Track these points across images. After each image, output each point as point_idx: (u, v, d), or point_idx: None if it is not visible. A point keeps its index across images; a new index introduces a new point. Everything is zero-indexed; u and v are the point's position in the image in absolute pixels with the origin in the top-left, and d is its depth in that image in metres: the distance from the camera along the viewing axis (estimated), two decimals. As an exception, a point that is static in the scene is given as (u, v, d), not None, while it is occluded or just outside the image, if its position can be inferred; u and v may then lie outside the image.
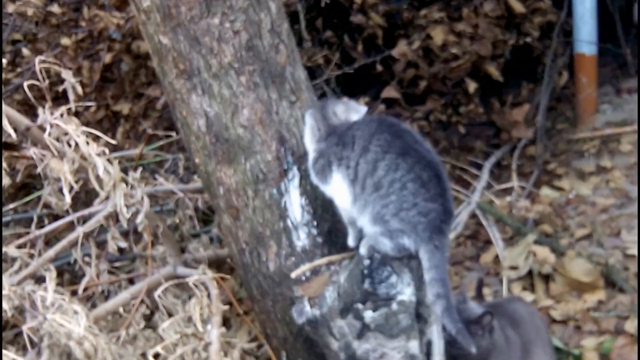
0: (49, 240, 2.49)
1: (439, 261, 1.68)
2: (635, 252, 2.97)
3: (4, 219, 2.81)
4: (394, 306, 1.73)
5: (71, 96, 1.86)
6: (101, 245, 2.56)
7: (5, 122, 1.75)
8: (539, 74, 4.49)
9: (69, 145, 1.76)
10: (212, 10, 1.77)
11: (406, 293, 1.74)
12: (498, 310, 2.19)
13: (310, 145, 1.84)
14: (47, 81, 1.80)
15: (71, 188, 1.76)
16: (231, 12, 1.79)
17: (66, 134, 1.74)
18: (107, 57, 3.37)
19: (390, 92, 3.87)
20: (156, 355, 1.91)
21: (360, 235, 1.82)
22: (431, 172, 1.67)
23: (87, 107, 3.30)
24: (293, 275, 1.85)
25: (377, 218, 1.69)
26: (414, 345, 1.81)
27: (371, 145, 1.71)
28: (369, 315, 1.75)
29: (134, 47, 3.36)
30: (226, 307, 2.31)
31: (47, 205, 2.48)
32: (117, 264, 2.69)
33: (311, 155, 1.83)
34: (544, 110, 4.25)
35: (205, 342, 1.69)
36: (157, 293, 1.94)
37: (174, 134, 2.88)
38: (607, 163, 3.87)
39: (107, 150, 1.83)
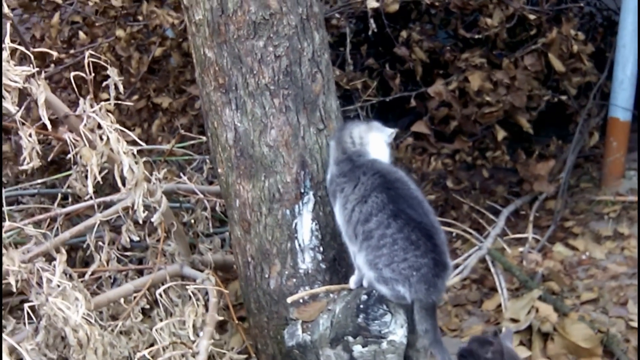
0: (70, 218, 2.57)
1: (430, 306, 1.74)
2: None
3: (31, 191, 2.90)
4: (384, 345, 1.77)
5: (112, 92, 1.94)
6: (116, 230, 2.64)
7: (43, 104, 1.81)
8: (570, 131, 4.51)
9: (101, 139, 1.83)
10: (258, 33, 1.84)
11: (398, 334, 1.77)
12: None
13: (329, 165, 1.93)
14: (92, 74, 1.86)
15: (95, 178, 1.82)
16: (276, 37, 1.86)
17: (100, 127, 1.81)
18: (158, 51, 3.47)
19: (420, 127, 3.91)
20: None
21: (361, 279, 1.88)
22: (420, 233, 1.74)
23: (130, 96, 3.39)
24: (289, 300, 1.90)
25: (371, 264, 1.76)
26: (398, 386, 1.85)
27: (370, 198, 1.78)
28: (357, 349, 1.79)
29: (185, 46, 3.45)
30: (224, 312, 2.39)
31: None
32: (127, 252, 2.76)
33: (328, 175, 1.92)
34: (569, 167, 4.25)
35: (193, 351, 1.74)
36: (159, 291, 2.00)
37: (204, 137, 2.95)
38: (625, 230, 3.84)
39: (138, 143, 1.89)
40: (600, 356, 2.76)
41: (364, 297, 1.79)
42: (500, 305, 3.18)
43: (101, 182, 2.04)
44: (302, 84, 1.94)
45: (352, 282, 1.91)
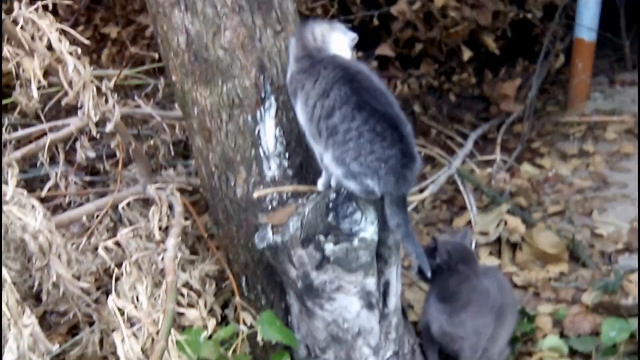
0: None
1: (400, 200, 1.71)
2: (603, 232, 3.01)
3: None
4: (355, 242, 1.75)
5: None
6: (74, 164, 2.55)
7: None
8: (536, 54, 4.50)
9: (41, 40, 1.72)
10: None
11: (369, 231, 1.75)
12: (489, 272, 2.34)
13: (289, 64, 1.84)
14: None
15: (39, 84, 1.73)
16: None
17: (39, 30, 1.70)
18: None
19: (385, 49, 3.85)
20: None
21: (329, 180, 1.84)
22: (385, 124, 1.68)
23: (74, 26, 3.24)
24: (256, 194, 1.85)
25: (339, 161, 1.70)
26: (370, 282, 1.83)
27: (332, 92, 1.72)
28: (329, 247, 1.76)
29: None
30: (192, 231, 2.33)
31: (23, 114, 2.47)
32: (88, 184, 2.69)
33: (287, 74, 1.83)
34: (535, 89, 4.25)
35: (161, 249, 1.68)
36: (122, 205, 1.93)
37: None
38: (590, 148, 3.90)
39: (79, 50, 1.80)
40: (566, 261, 2.82)
41: (333, 195, 1.75)
42: (470, 222, 3.20)
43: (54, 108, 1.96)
44: (255, -18, 1.85)
45: (320, 184, 1.87)
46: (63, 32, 1.76)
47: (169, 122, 2.55)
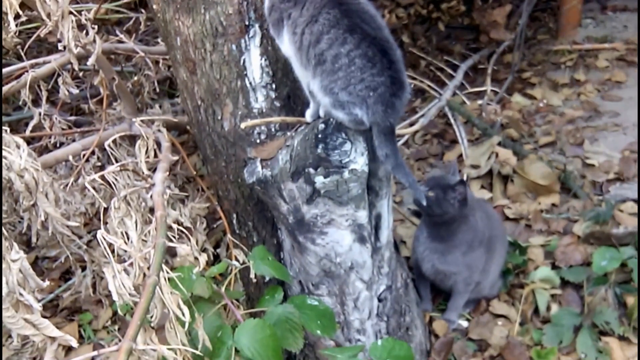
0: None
1: (388, 130, 1.67)
2: (594, 162, 3.00)
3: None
4: (346, 174, 1.71)
5: None
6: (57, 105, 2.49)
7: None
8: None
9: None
10: None
11: (359, 162, 1.71)
12: (479, 203, 2.33)
13: None
14: None
15: (15, 13, 1.65)
16: None
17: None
18: None
19: (372, -21, 3.73)
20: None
21: (317, 111, 1.79)
22: (376, 49, 1.62)
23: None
24: (243, 125, 1.79)
25: (327, 90, 1.64)
26: (362, 215, 1.81)
27: (320, 17, 1.64)
28: (319, 180, 1.72)
29: None
30: (181, 172, 2.30)
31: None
32: (73, 124, 2.63)
33: (266, 3, 1.75)
34: (525, 16, 4.16)
35: (149, 184, 1.65)
36: (108, 142, 1.88)
37: None
38: (582, 77, 3.86)
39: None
40: (558, 192, 2.82)
41: (322, 126, 1.71)
42: (461, 155, 3.17)
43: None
44: None
45: (308, 115, 1.82)
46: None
47: (152, 58, 2.47)
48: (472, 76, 4.10)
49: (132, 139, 2.19)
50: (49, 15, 1.67)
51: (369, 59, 1.62)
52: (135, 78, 2.54)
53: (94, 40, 1.78)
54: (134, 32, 2.77)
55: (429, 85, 3.72)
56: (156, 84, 2.58)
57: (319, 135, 1.71)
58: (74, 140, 2.39)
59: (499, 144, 3.08)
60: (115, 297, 1.36)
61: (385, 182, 1.84)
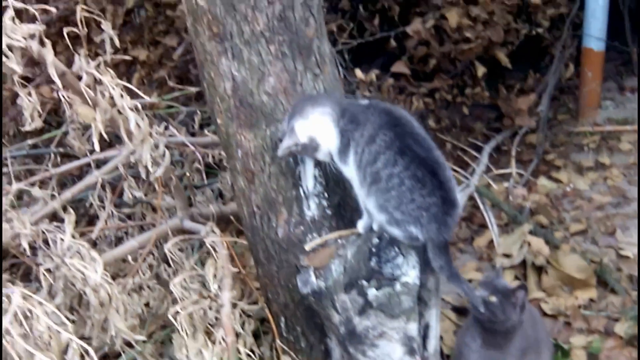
0: (59, 178, 2.52)
1: (442, 244, 1.76)
2: (629, 253, 2.99)
3: (15, 153, 2.82)
4: (398, 287, 1.79)
5: (108, 48, 1.87)
6: (111, 186, 2.59)
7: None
8: (545, 63, 4.54)
9: (103, 95, 1.77)
10: (250, -21, 1.79)
11: (411, 275, 1.79)
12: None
13: (331, 129, 1.85)
14: (84, 29, 1.79)
15: (100, 136, 1.77)
16: (268, -18, 1.81)
17: (99, 82, 1.75)
18: (130, 2, 3.36)
19: (400, 67, 3.90)
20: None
21: (370, 223, 1.88)
22: (426, 170, 1.74)
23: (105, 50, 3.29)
24: (307, 247, 1.89)
25: (382, 208, 1.75)
26: (412, 328, 1.87)
27: (377, 137, 1.77)
28: (372, 293, 1.80)
29: (156, -5, 3.37)
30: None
31: (60, 144, 2.52)
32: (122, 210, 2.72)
33: (336, 139, 1.83)
34: (548, 100, 4.29)
35: (217, 304, 1.73)
36: (168, 246, 1.98)
37: (189, 87, 2.88)
38: (606, 160, 3.90)
39: (139, 106, 1.85)
40: (594, 286, 2.79)
41: (376, 240, 1.80)
42: (491, 242, 3.22)
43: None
44: (297, 29, 1.90)
45: (361, 226, 1.91)
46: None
47: (202, 152, 2.60)
48: (495, 157, 4.18)
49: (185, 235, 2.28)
50: (129, 136, 1.79)
51: (418, 180, 1.73)
52: (184, 171, 2.65)
53: (164, 155, 1.89)
54: (184, 123, 2.91)
55: (456, 170, 3.80)
56: (203, 174, 2.69)
57: (373, 249, 1.80)
58: (126, 232, 2.50)
59: (530, 232, 3.11)
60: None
61: (434, 292, 1.91)
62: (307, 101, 1.87)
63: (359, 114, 1.82)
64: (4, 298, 1.44)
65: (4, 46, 1.52)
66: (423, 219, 1.72)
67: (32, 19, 1.68)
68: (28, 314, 1.44)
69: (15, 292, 1.39)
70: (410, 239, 1.76)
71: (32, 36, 1.59)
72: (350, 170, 1.83)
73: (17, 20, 1.56)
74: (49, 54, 1.63)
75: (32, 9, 1.69)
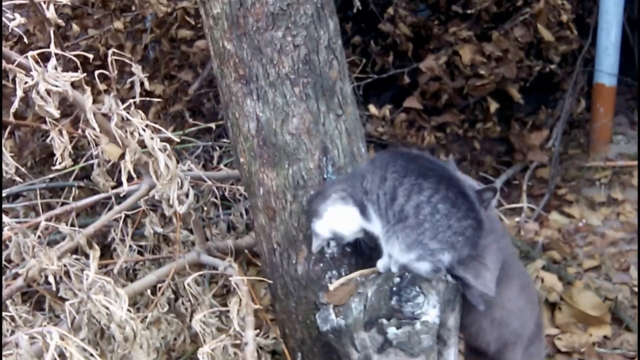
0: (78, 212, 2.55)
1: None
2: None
3: (36, 186, 2.87)
4: (418, 326, 1.79)
5: (137, 89, 1.92)
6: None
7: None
8: (556, 98, 4.59)
9: (132, 135, 1.82)
10: (277, 24, 1.84)
11: (431, 314, 1.80)
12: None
13: (347, 213, 1.84)
14: (114, 71, 1.84)
15: (128, 175, 1.81)
16: (294, 27, 1.86)
17: (128, 120, 1.80)
18: (147, 38, 3.44)
19: (413, 102, 3.95)
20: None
21: (389, 264, 1.87)
22: (455, 190, 1.68)
23: (125, 85, 3.36)
24: (332, 287, 1.91)
25: (413, 245, 1.71)
26: (431, 366, 1.89)
27: (387, 173, 1.73)
28: (392, 331, 1.81)
29: (173, 33, 3.43)
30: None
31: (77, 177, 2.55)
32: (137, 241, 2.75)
33: (357, 216, 1.83)
34: (559, 135, 4.33)
35: (241, 342, 1.75)
36: (188, 281, 2.00)
37: (203, 123, 2.93)
38: (619, 195, 3.93)
39: (168, 146, 1.89)
40: (609, 323, 2.81)
41: (397, 279, 1.82)
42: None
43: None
44: (321, 72, 1.94)
45: (381, 266, 1.91)
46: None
47: (216, 184, 2.63)
48: (506, 191, 4.21)
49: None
50: (157, 175, 1.82)
51: (453, 203, 1.66)
52: (201, 205, 2.68)
53: (187, 195, 1.93)
54: (201, 158, 2.95)
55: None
56: (220, 208, 2.73)
57: (394, 288, 1.81)
58: (143, 263, 2.52)
59: (543, 267, 3.14)
60: None
61: (453, 331, 1.93)
62: (317, 198, 1.88)
63: (366, 173, 1.81)
64: (38, 336, 1.46)
65: (42, 91, 1.56)
66: (458, 244, 1.70)
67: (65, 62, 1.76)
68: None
69: (54, 332, 1.40)
70: (436, 271, 1.75)
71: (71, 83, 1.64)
72: (376, 226, 1.80)
73: (59, 68, 1.62)
74: (88, 100, 1.68)
75: (70, 54, 1.73)
